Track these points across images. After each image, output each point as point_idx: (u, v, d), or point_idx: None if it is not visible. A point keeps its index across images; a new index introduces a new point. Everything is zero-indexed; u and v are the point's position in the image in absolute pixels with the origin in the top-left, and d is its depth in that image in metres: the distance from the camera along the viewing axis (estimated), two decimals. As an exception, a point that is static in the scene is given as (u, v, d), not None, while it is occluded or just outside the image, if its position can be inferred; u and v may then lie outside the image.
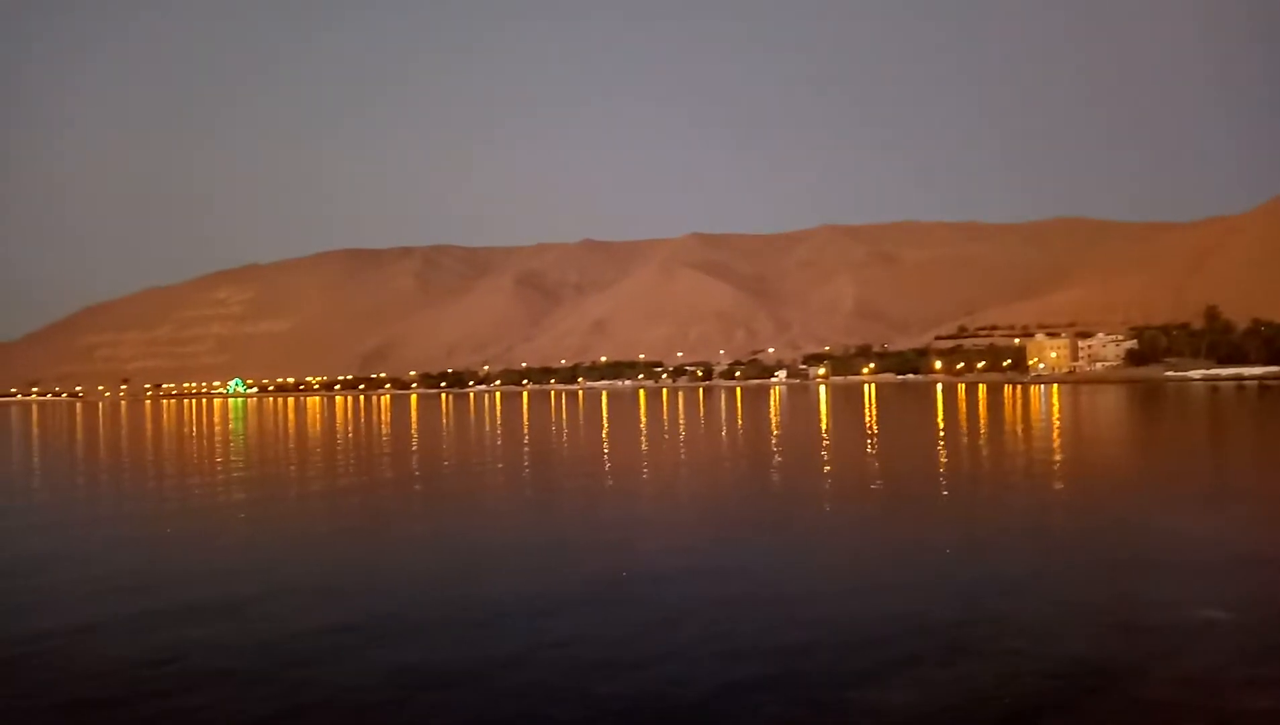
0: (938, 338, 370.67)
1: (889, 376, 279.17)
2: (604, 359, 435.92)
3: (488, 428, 69.13)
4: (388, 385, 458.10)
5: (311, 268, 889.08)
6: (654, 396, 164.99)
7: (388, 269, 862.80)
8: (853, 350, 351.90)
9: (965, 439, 46.18)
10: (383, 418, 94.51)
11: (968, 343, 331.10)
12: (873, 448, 42.00)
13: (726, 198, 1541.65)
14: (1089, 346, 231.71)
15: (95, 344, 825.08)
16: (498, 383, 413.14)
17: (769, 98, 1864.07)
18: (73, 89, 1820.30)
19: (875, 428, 57.40)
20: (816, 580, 15.75)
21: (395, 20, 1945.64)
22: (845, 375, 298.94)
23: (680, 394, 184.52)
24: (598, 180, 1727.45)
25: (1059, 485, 28.00)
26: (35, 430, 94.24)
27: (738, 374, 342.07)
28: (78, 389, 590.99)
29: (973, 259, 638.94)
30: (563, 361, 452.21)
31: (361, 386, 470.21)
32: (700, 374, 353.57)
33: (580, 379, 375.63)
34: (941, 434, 49.90)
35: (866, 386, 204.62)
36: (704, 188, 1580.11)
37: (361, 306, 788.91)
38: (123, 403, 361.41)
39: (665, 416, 79.99)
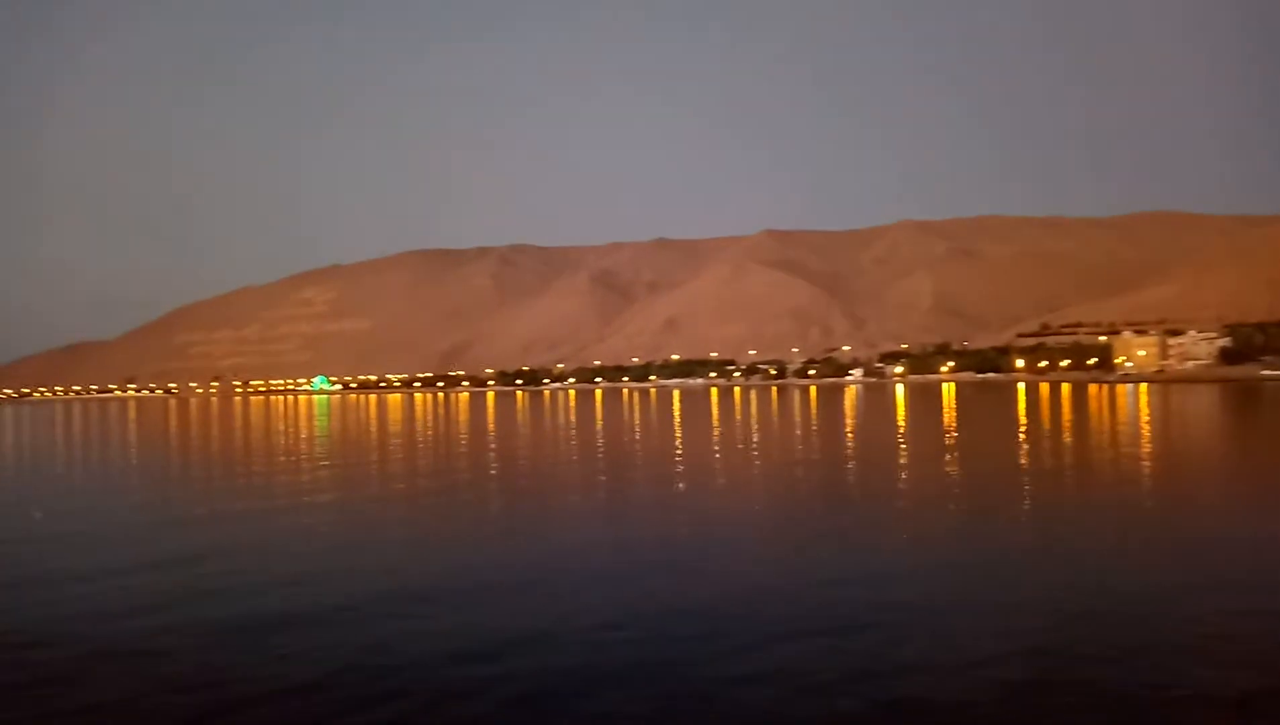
0: (1019, 335, 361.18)
1: (968, 375, 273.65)
2: (676, 357, 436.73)
3: (573, 426, 70.44)
4: (465, 383, 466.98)
5: (392, 268, 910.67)
6: (726, 395, 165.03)
7: (465, 268, 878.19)
8: (931, 348, 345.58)
9: (1059, 440, 45.09)
10: (470, 416, 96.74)
11: (1051, 341, 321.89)
12: (956, 450, 41.74)
13: (800, 194, 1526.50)
14: (1179, 344, 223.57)
15: (189, 342, 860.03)
16: (571, 381, 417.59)
17: (843, 94, 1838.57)
18: (165, 97, 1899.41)
19: (957, 428, 56.87)
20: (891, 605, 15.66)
21: (472, 23, 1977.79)
22: (923, 374, 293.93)
23: (753, 393, 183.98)
24: (670, 179, 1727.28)
25: (1178, 488, 27.20)
26: (155, 426, 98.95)
27: (812, 373, 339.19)
28: (172, 386, 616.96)
29: (1056, 254, 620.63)
30: (635, 360, 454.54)
31: (440, 384, 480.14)
32: (773, 372, 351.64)
33: (652, 377, 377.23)
34: (1029, 433, 49.21)
35: (945, 385, 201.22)
36: (777, 185, 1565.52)
37: (440, 306, 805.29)
38: (213, 399, 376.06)
39: (739, 414, 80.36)
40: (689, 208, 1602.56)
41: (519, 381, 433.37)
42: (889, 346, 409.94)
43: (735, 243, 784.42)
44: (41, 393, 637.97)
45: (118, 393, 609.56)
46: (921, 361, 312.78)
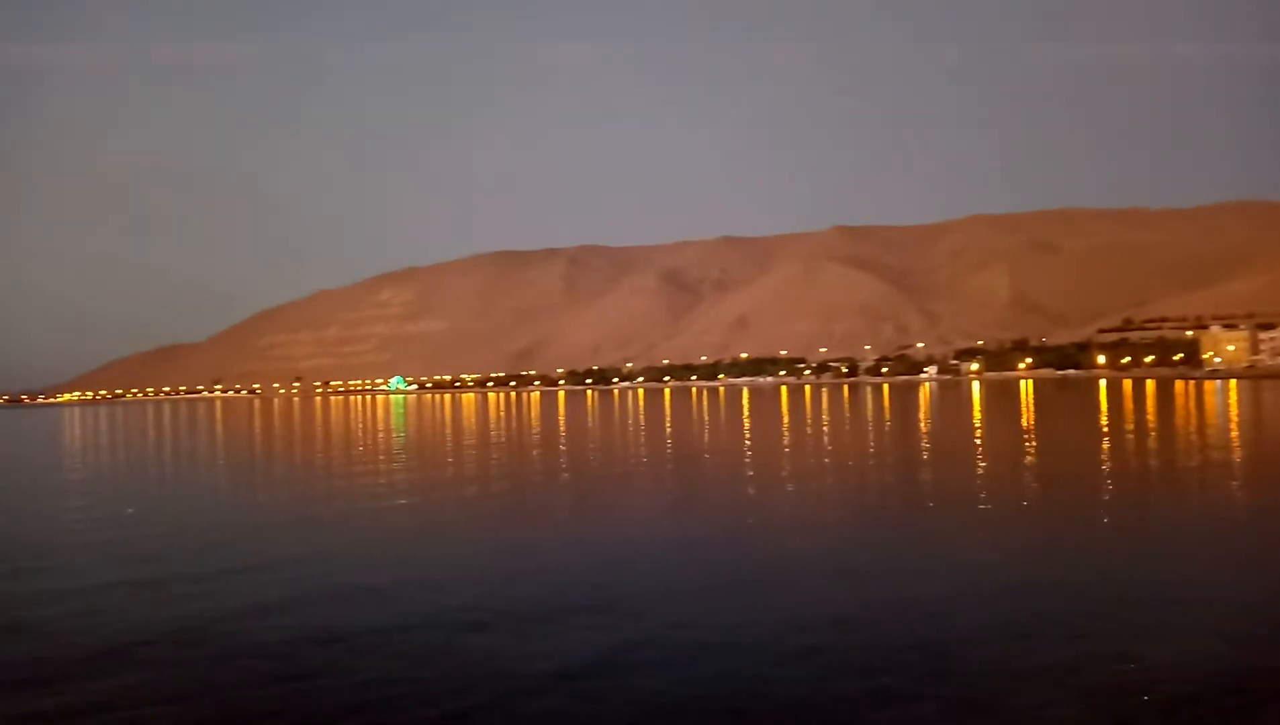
0: (1100, 331, 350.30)
1: (1047, 372, 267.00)
2: (745, 356, 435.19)
3: (651, 424, 71.26)
4: (536, 382, 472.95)
5: (465, 270, 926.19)
6: (796, 393, 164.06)
7: (535, 270, 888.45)
8: (1008, 344, 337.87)
9: (1148, 440, 43.82)
10: (552, 415, 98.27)
11: (1134, 336, 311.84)
12: (1039, 451, 41.35)
13: (870, 189, 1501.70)
14: (1272, 338, 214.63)
15: (271, 344, 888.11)
16: (640, 380, 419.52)
17: (911, 85, 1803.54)
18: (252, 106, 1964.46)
19: (1035, 427, 56.14)
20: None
21: (536, 23, 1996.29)
22: (1000, 371, 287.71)
23: (824, 391, 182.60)
24: (736, 176, 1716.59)
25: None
26: (253, 427, 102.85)
27: (884, 370, 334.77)
28: (255, 386, 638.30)
29: (1137, 247, 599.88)
30: (703, 358, 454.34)
31: (512, 384, 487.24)
32: (845, 370, 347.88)
33: (721, 376, 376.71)
34: (1111, 431, 48.43)
35: (1023, 382, 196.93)
36: (846, 180, 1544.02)
37: (512, 306, 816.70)
38: (295, 399, 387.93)
39: (810, 413, 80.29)
40: (755, 205, 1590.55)
41: (589, 381, 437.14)
42: (963, 343, 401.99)
43: (804, 239, 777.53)
44: (134, 394, 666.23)
45: (205, 393, 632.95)
46: (998, 358, 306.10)
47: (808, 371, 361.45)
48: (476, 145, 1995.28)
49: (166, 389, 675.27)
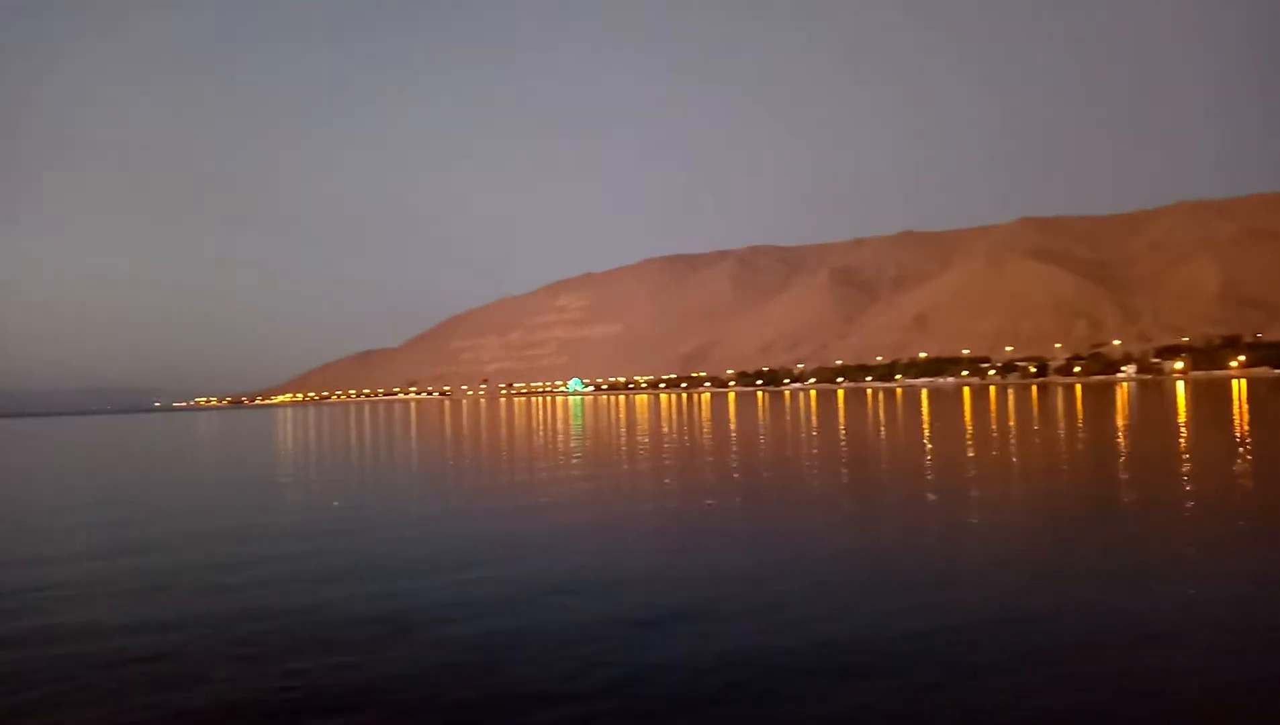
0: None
1: (1263, 370, 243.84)
2: (924, 355, 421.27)
3: (828, 425, 71.37)
4: (707, 384, 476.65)
5: (638, 274, 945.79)
6: (980, 395, 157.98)
7: (705, 272, 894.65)
8: (1218, 341, 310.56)
9: None
10: (743, 415, 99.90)
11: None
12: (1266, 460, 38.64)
13: (1061, 178, 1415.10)
14: None
15: (460, 348, 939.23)
16: (812, 381, 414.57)
17: (1104, 66, 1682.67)
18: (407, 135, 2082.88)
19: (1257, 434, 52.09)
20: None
21: (714, 24, 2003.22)
22: (1208, 369, 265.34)
23: (1010, 392, 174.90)
24: (916, 168, 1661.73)
25: None
26: (455, 425, 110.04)
27: (1077, 370, 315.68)
28: (445, 388, 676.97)
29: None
30: (879, 358, 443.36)
31: (683, 385, 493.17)
32: (1033, 370, 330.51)
33: (898, 377, 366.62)
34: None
35: (1235, 382, 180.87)
36: (1034, 169, 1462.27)
37: (682, 309, 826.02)
38: (481, 400, 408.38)
39: (995, 417, 77.72)
40: (937, 198, 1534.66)
41: (759, 382, 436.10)
42: (1166, 340, 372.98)
43: (989, 232, 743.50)
44: (337, 396, 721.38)
45: (401, 395, 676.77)
46: (1206, 356, 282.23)
47: (992, 372, 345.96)
48: (638, 154, 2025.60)
49: (366, 391, 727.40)
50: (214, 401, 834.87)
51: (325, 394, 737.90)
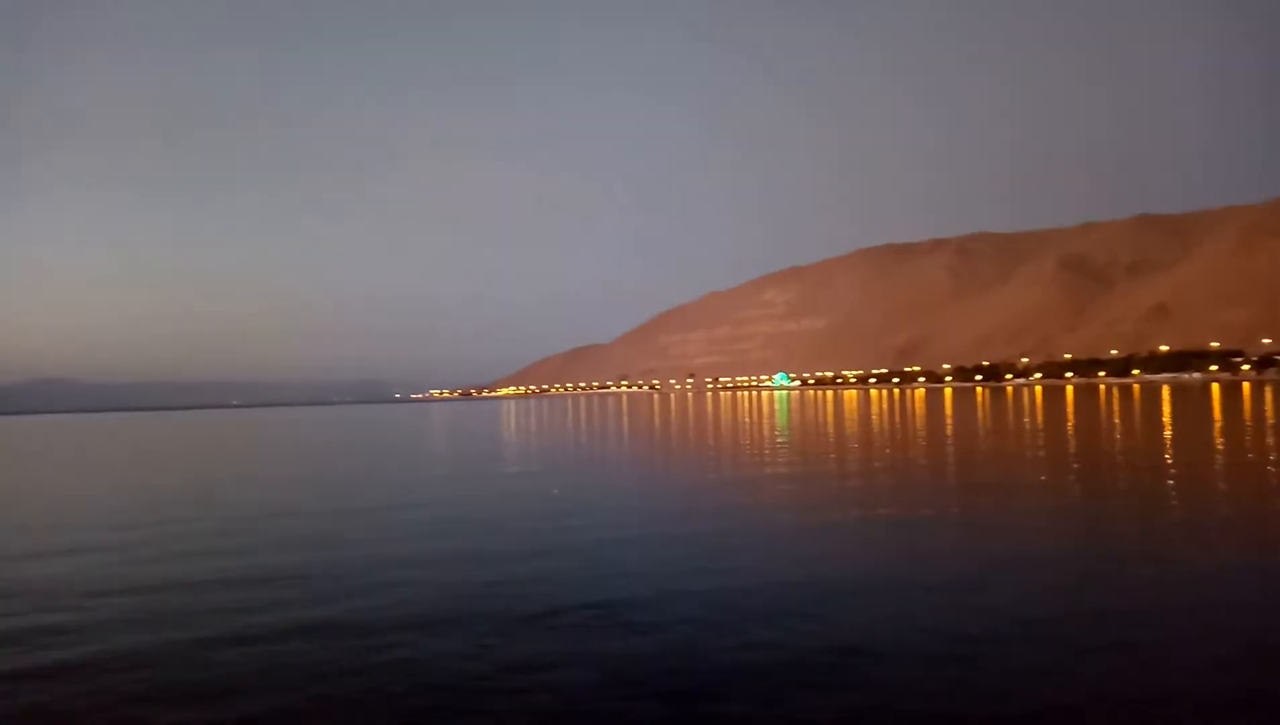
0: None
1: None
2: (1164, 348, 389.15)
3: (1057, 425, 68.08)
4: (921, 379, 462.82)
5: (848, 266, 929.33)
6: (1232, 391, 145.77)
7: (920, 262, 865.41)
8: None
9: None
10: (963, 414, 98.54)
11: None
12: None
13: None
14: None
15: (669, 343, 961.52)
16: (1037, 375, 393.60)
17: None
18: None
19: None
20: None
21: (836, 18, 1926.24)
22: None
23: (1267, 388, 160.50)
24: (1153, 146, 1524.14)
25: None
26: (667, 417, 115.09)
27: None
28: (655, 382, 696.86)
29: None
30: (1113, 352, 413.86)
31: (895, 380, 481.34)
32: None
33: (1135, 371, 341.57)
34: None
35: None
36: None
37: (894, 301, 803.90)
38: (689, 394, 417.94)
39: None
40: (1176, 177, 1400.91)
41: (978, 377, 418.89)
42: None
43: (1238, 213, 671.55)
44: (555, 388, 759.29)
45: (613, 388, 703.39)
46: None
47: (1246, 366, 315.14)
48: (841, 140, 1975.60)
49: (581, 384, 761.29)
50: (445, 393, 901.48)
51: (545, 387, 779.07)
